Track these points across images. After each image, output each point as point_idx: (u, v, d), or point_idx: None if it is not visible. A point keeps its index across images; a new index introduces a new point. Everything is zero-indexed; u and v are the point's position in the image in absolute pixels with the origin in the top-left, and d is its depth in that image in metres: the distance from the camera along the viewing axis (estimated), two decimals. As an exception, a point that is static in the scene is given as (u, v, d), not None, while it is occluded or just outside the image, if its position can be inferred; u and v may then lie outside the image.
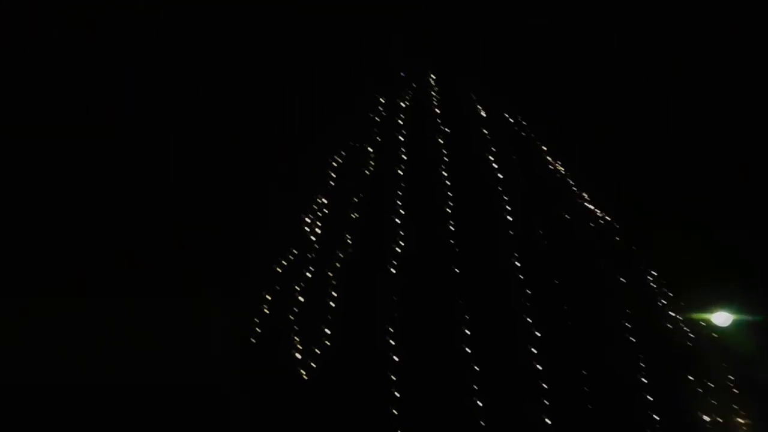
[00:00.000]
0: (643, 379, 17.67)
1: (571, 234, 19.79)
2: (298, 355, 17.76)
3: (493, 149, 20.57)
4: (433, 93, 21.85)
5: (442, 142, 20.57)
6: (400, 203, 19.40)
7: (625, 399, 17.48)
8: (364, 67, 23.49)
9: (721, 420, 17.82)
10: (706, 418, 17.75)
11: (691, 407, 17.87)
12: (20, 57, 23.37)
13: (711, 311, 19.65)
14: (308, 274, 19.14)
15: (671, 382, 17.95)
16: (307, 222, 20.04)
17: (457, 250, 18.56)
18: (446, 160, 20.20)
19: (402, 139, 20.82)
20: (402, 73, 22.21)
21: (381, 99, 21.90)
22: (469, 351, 17.19)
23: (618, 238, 20.28)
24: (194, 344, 18.77)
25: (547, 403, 16.86)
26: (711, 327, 19.49)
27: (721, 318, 19.76)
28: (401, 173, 19.99)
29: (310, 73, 23.90)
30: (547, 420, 16.68)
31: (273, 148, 22.89)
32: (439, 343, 17.34)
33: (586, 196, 20.80)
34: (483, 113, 21.51)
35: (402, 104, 21.68)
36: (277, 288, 19.30)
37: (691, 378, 18.20)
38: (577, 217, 20.28)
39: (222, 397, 17.85)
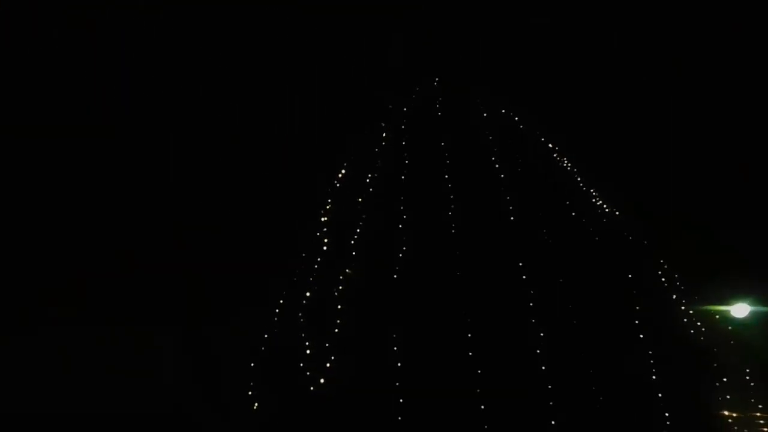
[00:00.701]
0: (656, 377, 17.54)
1: (580, 231, 19.75)
2: (308, 373, 17.66)
3: (497, 151, 20.58)
4: (436, 99, 21.87)
5: (446, 148, 20.57)
6: (405, 215, 19.39)
7: (638, 397, 17.36)
8: (364, 67, 23.49)
9: (737, 416, 17.63)
10: (723, 414, 17.57)
11: (706, 404, 17.70)
12: (20, 57, 23.34)
13: (728, 303, 19.18)
14: (314, 291, 19.05)
15: (685, 379, 17.78)
16: (316, 236, 19.95)
17: (464, 258, 18.55)
18: (451, 168, 20.21)
19: (406, 146, 20.82)
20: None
21: (388, 107, 21.87)
22: (478, 359, 17.12)
23: (626, 233, 20.21)
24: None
25: (555, 404, 16.79)
26: (728, 320, 19.09)
27: (740, 310, 19.20)
28: (405, 182, 20.01)
29: (311, 73, 23.88)
30: (558, 421, 16.62)
31: (272, 149, 22.87)
32: (448, 356, 17.30)
33: (593, 192, 20.77)
34: (485, 114, 21.51)
35: (405, 111, 21.68)
36: (286, 305, 19.18)
37: (705, 373, 18.03)
38: (585, 214, 20.24)
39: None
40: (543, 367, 17.02)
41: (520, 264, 18.42)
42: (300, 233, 20.07)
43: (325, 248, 19.41)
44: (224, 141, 23.01)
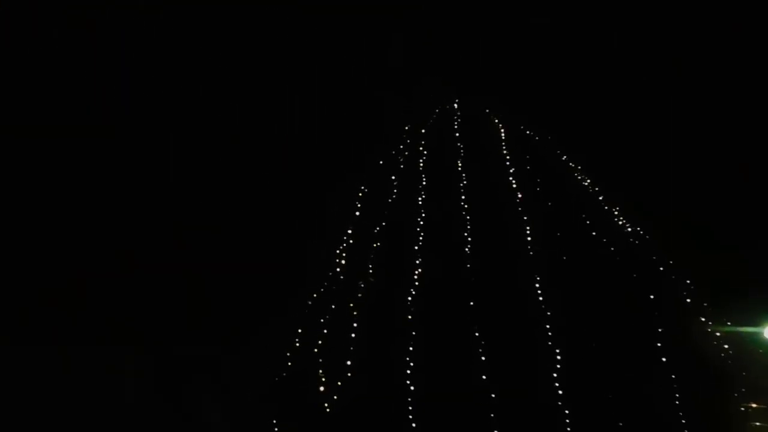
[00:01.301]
0: (679, 402, 17.23)
1: (601, 250, 19.60)
2: (322, 389, 17.59)
3: (514, 170, 20.59)
4: (455, 117, 21.89)
5: (464, 168, 20.58)
6: (421, 233, 19.42)
7: (661, 422, 17.08)
8: (364, 67, 23.53)
9: None
10: None
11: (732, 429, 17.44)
12: (20, 57, 23.36)
13: (760, 325, 18.33)
14: (332, 307, 19.01)
15: (710, 403, 17.45)
16: (333, 255, 19.90)
17: (479, 278, 18.53)
18: (468, 185, 20.22)
19: (424, 167, 20.85)
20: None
21: (405, 126, 21.90)
22: (491, 379, 17.06)
23: (651, 252, 20.00)
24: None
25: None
26: (758, 342, 18.36)
27: None
28: (423, 203, 20.03)
29: (310, 73, 23.91)
30: None
31: (270, 148, 22.90)
32: (460, 374, 17.26)
33: (616, 211, 20.61)
34: (503, 133, 21.53)
35: (424, 131, 21.71)
36: (303, 323, 19.10)
37: (734, 398, 17.68)
38: (607, 233, 20.08)
39: None
40: (561, 392, 16.90)
41: (538, 286, 18.39)
42: (307, 243, 20.13)
43: (338, 269, 19.43)
44: (224, 141, 23.03)
